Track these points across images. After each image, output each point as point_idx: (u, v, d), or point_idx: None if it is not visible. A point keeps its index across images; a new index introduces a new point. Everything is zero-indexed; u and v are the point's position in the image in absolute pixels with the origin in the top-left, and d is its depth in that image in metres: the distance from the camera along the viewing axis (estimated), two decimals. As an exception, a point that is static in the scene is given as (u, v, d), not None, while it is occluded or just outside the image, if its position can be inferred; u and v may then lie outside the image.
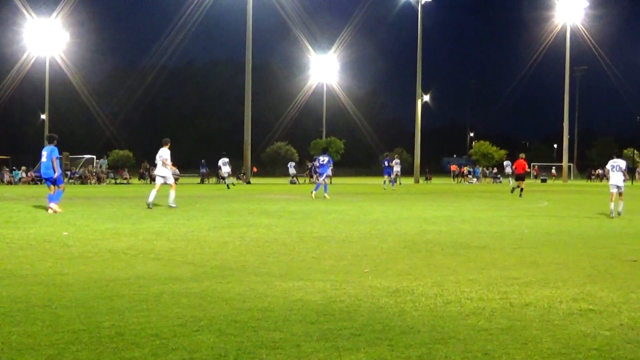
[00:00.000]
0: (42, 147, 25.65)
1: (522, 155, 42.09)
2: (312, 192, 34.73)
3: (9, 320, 7.13)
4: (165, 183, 25.93)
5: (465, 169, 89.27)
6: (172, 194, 25.65)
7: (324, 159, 36.85)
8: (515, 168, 41.37)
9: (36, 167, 25.95)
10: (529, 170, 58.78)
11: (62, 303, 7.99)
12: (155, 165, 27.48)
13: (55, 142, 24.08)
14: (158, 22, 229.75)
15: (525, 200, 35.60)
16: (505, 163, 75.71)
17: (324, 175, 36.27)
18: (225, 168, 57.08)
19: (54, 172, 23.45)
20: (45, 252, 12.52)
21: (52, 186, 23.54)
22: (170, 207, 24.88)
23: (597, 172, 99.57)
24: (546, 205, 30.99)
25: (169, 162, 25.78)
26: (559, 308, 7.99)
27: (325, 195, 34.54)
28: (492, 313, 7.67)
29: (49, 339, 6.41)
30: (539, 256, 12.55)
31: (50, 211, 22.58)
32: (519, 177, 40.77)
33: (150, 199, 25.17)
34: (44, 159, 23.91)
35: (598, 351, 6.26)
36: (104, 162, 73.54)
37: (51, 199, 23.27)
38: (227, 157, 56.86)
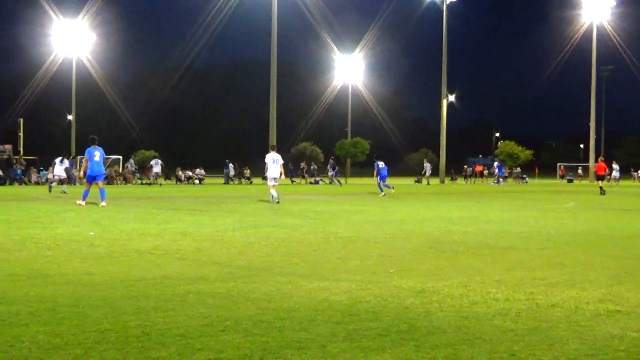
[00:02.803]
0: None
1: (602, 158, 46.64)
2: (382, 195, 39.13)
3: (37, 319, 7.18)
4: (274, 184, 29.89)
5: (485, 169, 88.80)
6: (275, 192, 29.47)
7: (382, 163, 41.68)
8: (597, 170, 45.66)
9: (78, 166, 27.26)
10: (608, 171, 60.91)
11: (89, 303, 8.03)
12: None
13: (97, 142, 27.13)
14: (183, 23, 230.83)
15: (551, 200, 35.48)
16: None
17: (386, 178, 41.55)
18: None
19: (104, 171, 27.54)
20: (72, 252, 12.58)
21: (100, 183, 26.88)
22: (278, 202, 28.79)
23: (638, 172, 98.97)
24: (572, 205, 30.85)
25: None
26: (586, 309, 7.95)
27: (382, 194, 39.28)
28: (518, 314, 7.64)
29: (76, 339, 6.45)
30: (565, 257, 12.49)
31: (103, 204, 25.65)
32: (599, 178, 45.00)
33: (275, 195, 29.35)
34: (96, 158, 26.70)
35: (625, 352, 6.22)
36: (132, 162, 73.63)
37: (103, 194, 26.37)
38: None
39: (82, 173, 27.28)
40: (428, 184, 73.63)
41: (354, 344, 6.37)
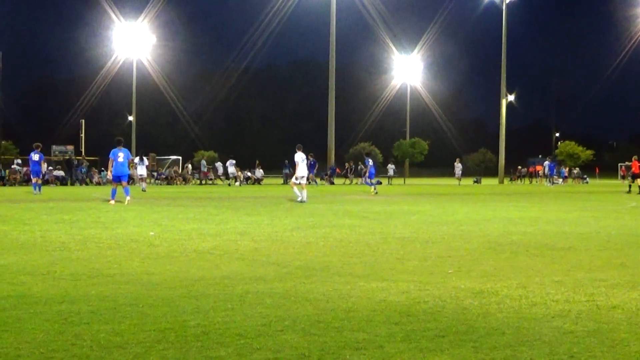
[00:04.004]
0: (130, 148, 28.51)
1: (635, 157, 47.76)
2: (375, 193, 41.87)
3: (98, 318, 7.27)
4: (303, 183, 31.01)
5: (541, 169, 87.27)
6: (305, 192, 30.50)
7: (372, 161, 46.43)
8: (633, 169, 47.48)
9: (110, 167, 29.07)
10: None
11: (149, 302, 8.11)
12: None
13: (123, 144, 29.19)
14: (242, 24, 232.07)
15: (612, 201, 35.04)
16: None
17: (373, 175, 46.22)
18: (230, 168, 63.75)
19: (129, 171, 29.72)
20: (133, 252, 12.72)
21: (123, 182, 28.60)
22: (304, 202, 29.50)
23: None
24: (634, 206, 30.42)
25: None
26: (648, 311, 7.85)
27: (374, 192, 42.26)
28: (578, 315, 7.56)
29: (136, 337, 6.52)
30: (626, 258, 12.33)
31: (128, 198, 27.75)
32: (635, 176, 46.92)
33: (303, 197, 29.99)
34: (120, 159, 28.45)
35: (688, 355, 6.13)
36: (204, 162, 73.76)
37: (127, 192, 28.29)
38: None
39: (109, 174, 29.37)
40: (459, 184, 68.98)
41: (412, 344, 6.36)
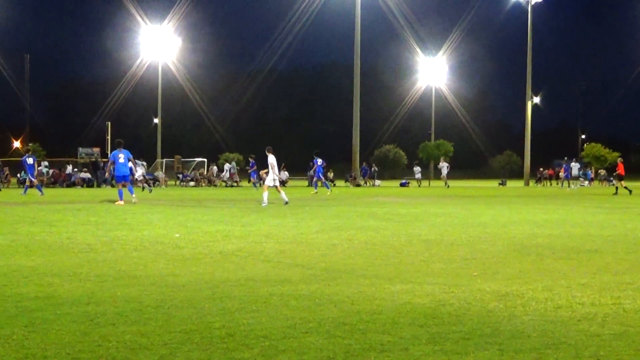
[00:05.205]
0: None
1: (620, 159, 52.13)
2: (315, 192, 45.08)
3: (124, 319, 7.30)
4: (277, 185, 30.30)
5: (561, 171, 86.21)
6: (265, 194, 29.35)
7: (320, 160, 48.34)
8: (620, 170, 48.86)
9: (109, 169, 30.55)
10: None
11: (174, 303, 8.14)
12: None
13: (122, 146, 29.85)
14: (267, 26, 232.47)
15: (639, 203, 34.79)
16: (439, 165, 70.15)
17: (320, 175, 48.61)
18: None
19: (131, 173, 30.56)
20: (158, 254, 12.77)
21: (126, 183, 29.60)
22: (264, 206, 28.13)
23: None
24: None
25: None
26: (675, 314, 7.79)
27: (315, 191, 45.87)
28: (605, 318, 7.52)
29: (162, 339, 6.55)
30: (653, 261, 12.26)
31: (134, 200, 28.94)
32: (622, 178, 48.66)
33: (266, 201, 28.66)
34: (121, 160, 29.36)
35: None
36: (234, 164, 73.59)
37: (131, 191, 29.46)
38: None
39: (107, 174, 30.45)
40: (447, 186, 63.66)
41: (437, 347, 6.35)
